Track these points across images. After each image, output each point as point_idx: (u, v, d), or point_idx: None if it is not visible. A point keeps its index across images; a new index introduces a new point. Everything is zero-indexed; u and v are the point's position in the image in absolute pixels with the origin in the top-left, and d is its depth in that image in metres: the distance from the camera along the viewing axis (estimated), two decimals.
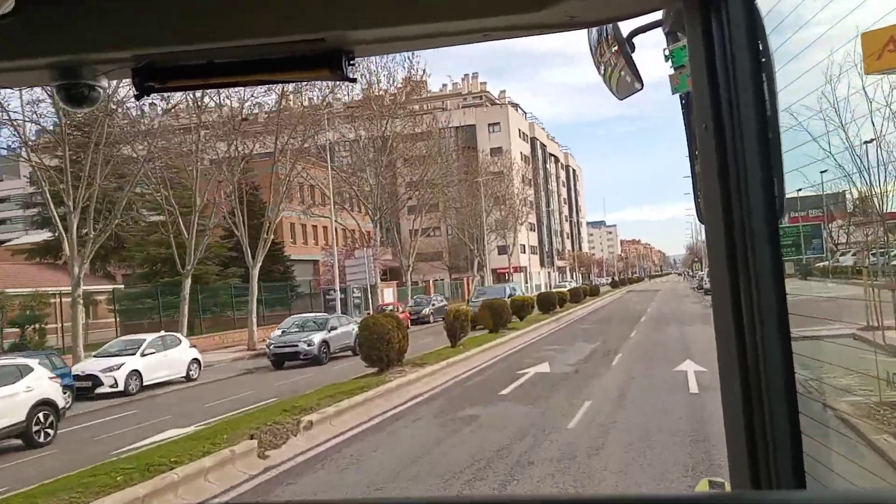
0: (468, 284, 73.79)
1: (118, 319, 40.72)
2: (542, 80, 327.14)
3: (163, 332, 25.91)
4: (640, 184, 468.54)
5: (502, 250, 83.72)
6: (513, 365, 19.78)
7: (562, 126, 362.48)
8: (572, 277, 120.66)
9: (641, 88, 1.35)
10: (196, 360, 24.92)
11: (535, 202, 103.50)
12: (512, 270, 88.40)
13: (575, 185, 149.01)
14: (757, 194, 1.11)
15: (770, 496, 1.07)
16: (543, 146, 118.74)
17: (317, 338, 24.76)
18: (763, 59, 1.12)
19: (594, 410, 12.49)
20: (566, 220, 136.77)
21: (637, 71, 1.31)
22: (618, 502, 1.06)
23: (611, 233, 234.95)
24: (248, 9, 1.06)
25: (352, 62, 1.12)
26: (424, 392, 15.71)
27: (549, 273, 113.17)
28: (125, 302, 42.43)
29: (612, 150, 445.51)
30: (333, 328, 25.59)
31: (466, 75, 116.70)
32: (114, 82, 1.36)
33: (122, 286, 46.71)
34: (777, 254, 1.13)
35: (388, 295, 54.08)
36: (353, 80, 1.17)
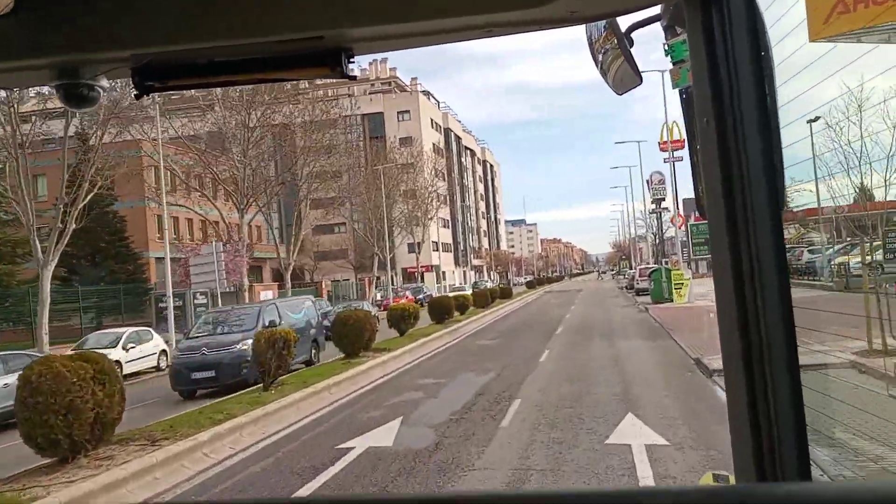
0: (368, 286, 65.68)
1: None
2: (460, 82, 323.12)
3: None
4: (562, 184, 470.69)
5: (412, 248, 75.90)
6: (339, 427, 11.73)
7: (482, 128, 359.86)
8: (489, 277, 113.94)
9: (641, 83, 1.35)
10: None
11: (450, 197, 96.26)
12: (422, 269, 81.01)
13: (493, 181, 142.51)
14: (759, 187, 1.11)
15: (775, 489, 1.05)
16: (458, 138, 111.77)
17: None
18: (763, 52, 1.11)
19: None
20: (483, 217, 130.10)
21: (636, 66, 1.30)
22: (622, 495, 0.88)
23: (531, 231, 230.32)
24: (246, 7, 1.04)
25: (352, 60, 1.10)
26: None
27: (464, 272, 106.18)
28: None
29: (532, 151, 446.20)
30: None
31: (374, 60, 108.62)
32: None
33: None
34: (780, 245, 1.12)
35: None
36: (354, 78, 1.15)
